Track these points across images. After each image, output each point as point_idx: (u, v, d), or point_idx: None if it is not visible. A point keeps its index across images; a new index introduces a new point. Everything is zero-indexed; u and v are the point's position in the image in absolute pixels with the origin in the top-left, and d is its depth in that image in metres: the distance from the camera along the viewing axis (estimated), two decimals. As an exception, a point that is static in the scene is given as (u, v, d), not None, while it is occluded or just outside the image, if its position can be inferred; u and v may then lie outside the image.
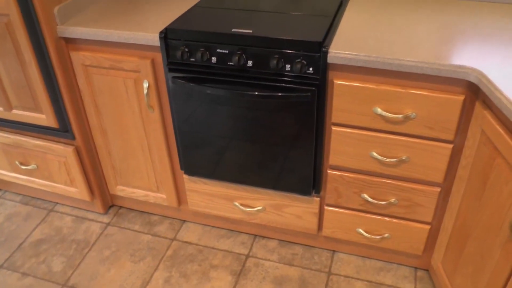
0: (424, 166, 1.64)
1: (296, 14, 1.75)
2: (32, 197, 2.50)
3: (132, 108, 1.91)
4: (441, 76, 1.46)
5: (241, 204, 2.03)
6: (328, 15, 1.74)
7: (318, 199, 1.89)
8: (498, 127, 1.31)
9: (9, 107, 2.05)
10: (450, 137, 1.54)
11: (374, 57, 1.47)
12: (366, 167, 1.72)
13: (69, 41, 1.85)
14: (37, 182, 2.31)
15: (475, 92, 1.45)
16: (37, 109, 2.00)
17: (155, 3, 1.96)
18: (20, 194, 2.52)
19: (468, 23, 1.68)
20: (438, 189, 1.68)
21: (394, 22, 1.70)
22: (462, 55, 1.46)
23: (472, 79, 1.39)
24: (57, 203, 2.45)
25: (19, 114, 2.05)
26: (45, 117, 2.01)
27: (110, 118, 1.98)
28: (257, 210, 2.02)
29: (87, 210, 2.39)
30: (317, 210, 1.92)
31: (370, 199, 1.79)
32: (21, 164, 2.27)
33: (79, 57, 1.84)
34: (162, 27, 1.73)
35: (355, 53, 1.49)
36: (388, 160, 1.65)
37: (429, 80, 1.48)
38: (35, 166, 2.23)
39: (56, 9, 1.77)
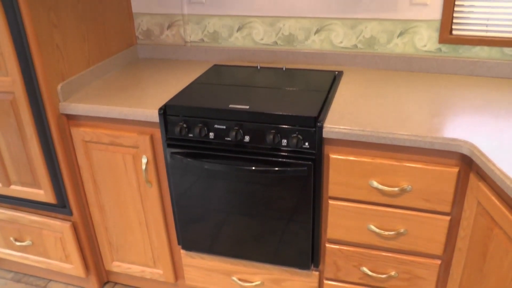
0: (423, 239, 1.63)
1: (291, 90, 1.81)
2: (25, 274, 2.45)
3: (130, 184, 1.92)
4: (435, 149, 1.49)
5: (239, 279, 2.00)
6: (322, 90, 1.80)
7: (317, 273, 1.86)
8: (493, 198, 1.32)
9: (7, 182, 2.06)
10: (447, 209, 1.55)
11: (368, 131, 1.50)
12: (365, 240, 1.71)
13: (70, 117, 1.89)
14: (31, 259, 2.28)
15: (468, 164, 1.48)
16: (35, 184, 2.01)
17: (155, 79, 2.03)
18: (12, 271, 2.47)
19: (457, 96, 1.74)
20: (439, 262, 1.67)
21: (386, 96, 1.76)
22: (454, 127, 1.50)
23: (465, 151, 1.42)
24: (50, 280, 2.40)
25: (17, 190, 2.06)
26: (43, 193, 2.01)
27: (108, 193, 1.99)
28: (256, 285, 1.98)
29: (81, 287, 2.34)
30: (316, 284, 1.89)
31: (369, 273, 1.76)
32: (16, 240, 2.24)
33: (79, 133, 1.88)
34: (161, 103, 1.78)
35: (349, 128, 1.52)
36: (386, 233, 1.64)
37: (423, 153, 1.51)
38: (30, 242, 2.20)
39: (59, 86, 1.83)
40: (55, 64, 1.82)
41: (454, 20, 1.92)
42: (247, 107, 1.65)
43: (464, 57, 1.95)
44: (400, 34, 1.99)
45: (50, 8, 1.77)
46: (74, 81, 1.91)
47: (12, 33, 1.71)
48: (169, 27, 2.30)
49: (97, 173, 1.96)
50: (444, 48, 1.96)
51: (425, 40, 1.97)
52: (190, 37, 2.29)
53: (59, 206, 2.04)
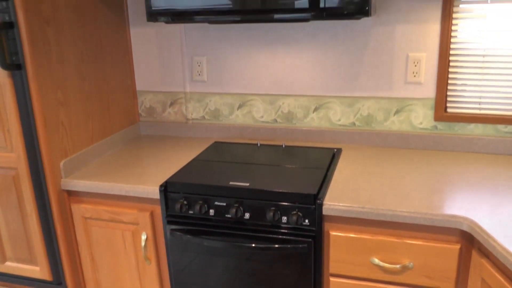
0: (427, 319, 1.59)
1: (290, 167, 1.84)
2: None
3: (129, 260, 1.90)
4: (435, 226, 1.49)
5: None
6: (321, 167, 1.82)
7: None
8: (497, 275, 1.30)
9: (3, 259, 2.03)
10: (451, 286, 1.52)
11: (368, 208, 1.51)
12: (368, 320, 1.66)
13: (71, 193, 1.90)
14: None
15: (470, 241, 1.47)
16: (31, 261, 1.98)
17: (156, 156, 2.06)
18: None
19: (455, 172, 1.76)
20: None
21: (385, 173, 1.78)
22: (453, 204, 1.50)
23: (465, 228, 1.42)
24: None
25: (12, 266, 2.02)
26: (38, 269, 1.98)
27: (106, 270, 1.96)
28: None
29: None
30: None
31: None
32: (9, 319, 2.18)
33: (80, 210, 1.88)
34: (162, 180, 1.80)
35: (349, 205, 1.53)
36: (390, 312, 1.61)
37: (423, 229, 1.51)
38: (23, 322, 2.14)
39: (62, 163, 1.86)
40: (59, 141, 1.86)
41: (448, 98, 1.99)
42: (247, 184, 1.67)
43: (459, 134, 1.99)
44: (397, 112, 2.05)
45: (58, 87, 1.84)
46: (76, 158, 1.94)
47: (20, 112, 1.76)
48: (171, 104, 2.37)
49: (95, 250, 1.94)
50: (440, 125, 2.01)
51: (421, 118, 2.03)
52: (191, 114, 2.35)
53: (55, 283, 2.00)
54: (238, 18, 1.74)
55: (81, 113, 1.98)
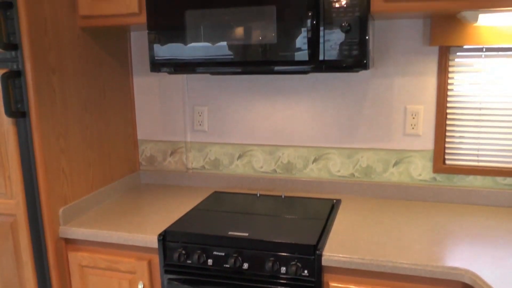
0: None
1: (290, 218, 1.83)
2: None
3: (124, 311, 1.86)
4: (436, 278, 1.47)
5: None
6: (321, 218, 1.82)
7: None
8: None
9: (-3, 309, 1.99)
10: None
11: (368, 260, 1.50)
12: None
13: (69, 241, 1.88)
14: None
15: (471, 295, 1.45)
16: (25, 311, 1.94)
17: (155, 205, 2.06)
18: None
19: (455, 224, 1.76)
20: None
21: (385, 224, 1.78)
22: (454, 256, 1.49)
23: (466, 280, 1.40)
24: None
25: (5, 316, 1.98)
26: (32, 320, 1.94)
27: (100, 321, 1.91)
28: None
29: None
30: None
31: None
32: None
33: (77, 258, 1.86)
34: (161, 229, 1.79)
35: (348, 256, 1.52)
36: None
37: (424, 281, 1.48)
38: None
39: (61, 210, 1.85)
40: (59, 189, 1.86)
41: (447, 150, 2.01)
42: (246, 234, 1.66)
43: (459, 186, 2.00)
44: (396, 163, 2.07)
45: (61, 135, 1.86)
46: (76, 205, 1.94)
47: (22, 158, 1.77)
48: (172, 154, 2.39)
49: (90, 300, 1.90)
50: (439, 177, 2.02)
51: (420, 169, 2.04)
52: (192, 164, 2.36)
53: (48, 336, 1.95)
54: (239, 70, 1.78)
55: (82, 161, 2.00)
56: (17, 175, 1.79)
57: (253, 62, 1.75)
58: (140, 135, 2.43)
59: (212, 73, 1.92)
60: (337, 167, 2.15)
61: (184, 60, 1.81)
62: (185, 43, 1.79)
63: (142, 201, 2.14)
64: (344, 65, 1.64)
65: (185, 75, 2.28)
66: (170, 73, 1.89)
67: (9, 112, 1.72)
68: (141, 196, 2.21)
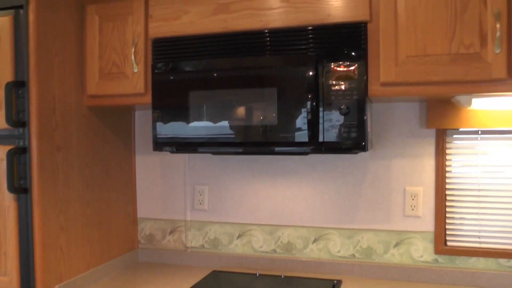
0: None
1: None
2: None
3: None
4: None
5: None
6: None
7: None
8: None
9: None
10: None
11: None
12: None
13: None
14: None
15: None
16: None
17: (153, 284, 2.01)
18: None
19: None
20: None
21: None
22: None
23: None
24: None
25: None
26: None
27: None
28: None
29: None
30: None
31: None
32: None
33: None
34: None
35: None
36: None
37: None
38: None
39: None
40: (55, 266, 1.83)
41: (447, 232, 1.99)
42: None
43: (461, 268, 1.96)
44: (396, 244, 2.05)
45: (61, 212, 1.86)
46: (72, 283, 1.90)
47: (20, 235, 1.77)
48: (171, 232, 2.37)
49: None
50: (441, 259, 1.99)
51: (421, 251, 2.01)
52: (191, 242, 2.34)
53: None
54: (240, 150, 1.82)
55: (80, 238, 1.98)
56: (13, 251, 1.77)
57: (254, 143, 1.78)
58: (140, 213, 2.42)
59: (214, 153, 1.95)
60: (337, 247, 2.13)
61: (186, 139, 1.86)
62: (188, 122, 1.84)
63: (139, 280, 2.09)
64: (343, 147, 1.68)
65: (186, 154, 2.32)
66: (172, 152, 1.92)
67: (12, 188, 1.74)
68: (139, 275, 2.16)
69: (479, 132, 1.94)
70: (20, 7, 1.76)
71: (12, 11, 1.77)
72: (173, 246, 2.37)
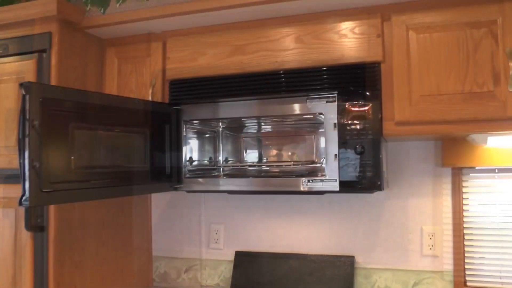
0: None
1: None
2: None
3: None
4: None
5: None
6: None
7: None
8: None
9: None
10: None
11: None
12: None
13: None
14: None
15: None
16: None
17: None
18: None
19: None
20: None
21: None
22: None
23: None
24: None
25: None
26: None
27: None
28: None
29: None
30: None
31: None
32: None
33: None
34: None
35: None
36: None
37: None
38: None
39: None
40: (70, 305, 1.83)
41: (467, 272, 1.95)
42: None
43: (482, 311, 1.91)
44: (415, 284, 2.01)
45: (76, 250, 1.87)
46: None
47: (35, 274, 1.77)
48: (186, 271, 2.35)
49: None
50: (461, 300, 1.95)
51: (440, 291, 1.97)
52: (206, 281, 2.32)
53: None
54: (256, 189, 1.83)
55: (95, 276, 1.98)
56: (28, 292, 1.78)
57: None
58: (155, 251, 2.42)
59: (230, 192, 1.96)
60: (354, 287, 2.09)
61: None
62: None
63: (153, 320, 2.08)
64: (359, 186, 1.68)
65: (202, 194, 2.33)
66: (188, 191, 1.94)
67: (29, 226, 1.75)
68: (153, 316, 2.14)
69: (496, 170, 1.93)
70: (44, 51, 1.83)
71: (36, 54, 1.84)
72: (188, 285, 2.35)
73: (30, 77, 1.81)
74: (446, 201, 1.98)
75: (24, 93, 1.35)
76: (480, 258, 1.94)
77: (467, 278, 1.96)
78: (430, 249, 1.99)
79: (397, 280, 2.03)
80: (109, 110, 1.67)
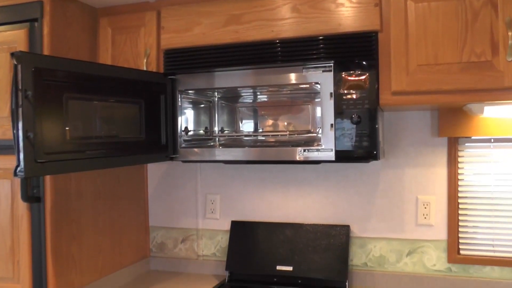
0: None
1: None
2: None
3: None
4: None
5: None
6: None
7: None
8: None
9: None
10: None
11: None
12: None
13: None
14: None
15: None
16: None
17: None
18: None
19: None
20: None
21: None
22: None
23: None
24: None
25: None
26: None
27: None
28: None
29: None
30: None
31: None
32: None
33: None
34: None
35: None
36: None
37: None
38: None
39: (68, 299, 1.83)
40: (67, 274, 1.84)
41: (461, 241, 1.98)
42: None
43: (475, 277, 1.94)
44: (409, 253, 2.03)
45: (73, 221, 1.88)
46: (85, 292, 1.92)
47: (33, 244, 1.78)
48: (183, 241, 2.37)
49: None
50: (454, 267, 1.98)
51: (434, 259, 2.00)
52: (202, 251, 2.34)
53: None
54: (252, 159, 1.83)
55: (92, 247, 1.99)
56: (26, 260, 1.79)
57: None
58: (151, 222, 2.43)
59: (226, 162, 1.96)
60: (350, 256, 2.11)
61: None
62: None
63: (151, 289, 2.10)
64: (355, 155, 1.68)
65: (198, 164, 2.33)
66: (184, 161, 1.94)
67: (25, 197, 1.76)
68: (151, 283, 2.17)
69: (492, 140, 1.93)
70: (35, 20, 1.80)
71: (28, 24, 1.80)
72: (185, 255, 2.37)
73: (22, 46, 1.78)
74: (442, 171, 1.99)
75: (15, 63, 1.33)
76: (474, 227, 1.96)
77: (460, 247, 1.98)
78: (425, 218, 2.01)
79: (392, 249, 2.05)
80: (104, 80, 1.65)
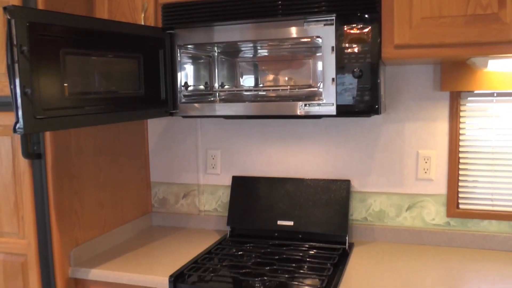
0: None
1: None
2: None
3: None
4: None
5: None
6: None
7: None
8: None
9: None
10: None
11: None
12: None
13: (79, 282, 1.88)
14: None
15: None
16: None
17: (167, 247, 2.05)
18: None
19: (471, 270, 1.72)
20: None
21: (399, 269, 1.75)
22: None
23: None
24: None
25: None
26: None
27: None
28: None
29: None
30: None
31: None
32: None
33: (86, 300, 1.85)
34: (171, 271, 1.77)
35: (362, 301, 1.49)
36: None
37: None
38: None
39: (72, 251, 1.85)
40: (70, 230, 1.87)
41: (460, 195, 1.99)
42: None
43: (473, 231, 1.97)
44: (409, 208, 2.05)
45: (74, 177, 1.88)
46: (87, 246, 1.94)
47: (36, 200, 1.80)
48: (184, 196, 2.40)
49: None
50: (453, 222, 2.00)
51: (433, 214, 2.02)
52: (204, 206, 2.37)
53: None
54: (252, 114, 1.82)
55: (94, 203, 2.01)
56: (30, 215, 1.81)
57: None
58: (153, 178, 2.45)
59: (226, 117, 1.94)
60: (349, 211, 2.13)
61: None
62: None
63: (153, 243, 2.13)
64: (356, 110, 1.67)
65: (198, 119, 2.32)
66: (184, 117, 1.93)
67: (26, 154, 1.76)
68: (153, 238, 2.20)
69: (495, 95, 1.91)
70: (28, -28, 1.75)
71: (20, -23, 1.75)
72: (186, 210, 2.40)
73: (16, 1, 1.74)
74: (443, 126, 1.98)
75: (9, 17, 1.30)
76: (474, 181, 1.97)
77: (459, 201, 2.00)
78: (425, 173, 2.01)
79: (392, 204, 2.07)
80: (101, 35, 1.62)
